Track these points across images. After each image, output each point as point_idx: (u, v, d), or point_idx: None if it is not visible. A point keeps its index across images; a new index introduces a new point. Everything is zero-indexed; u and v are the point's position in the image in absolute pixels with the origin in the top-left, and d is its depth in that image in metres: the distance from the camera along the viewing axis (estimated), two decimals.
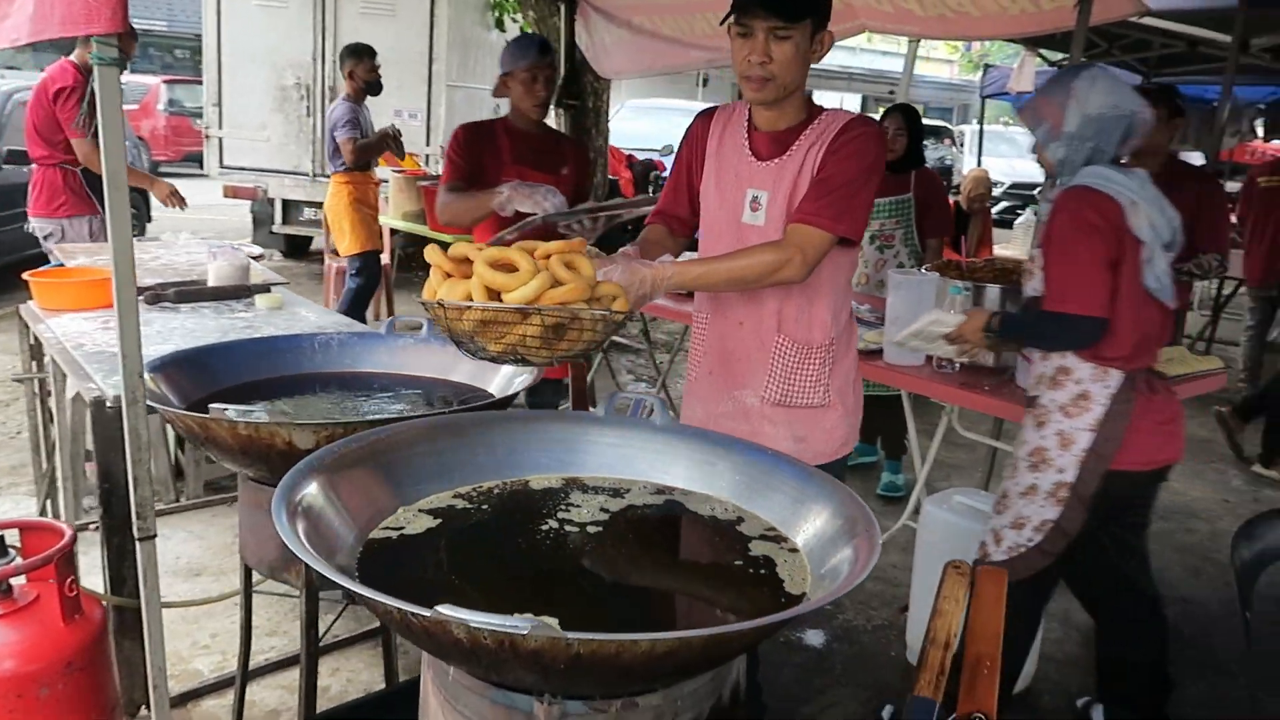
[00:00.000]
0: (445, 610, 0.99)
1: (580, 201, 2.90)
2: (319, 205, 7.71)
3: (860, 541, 1.29)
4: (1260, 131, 15.69)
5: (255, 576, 2.14)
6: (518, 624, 0.98)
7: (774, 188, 1.92)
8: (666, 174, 9.08)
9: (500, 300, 1.48)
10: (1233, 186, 7.66)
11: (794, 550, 1.42)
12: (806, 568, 1.37)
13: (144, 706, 2.41)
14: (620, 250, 1.85)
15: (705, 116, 2.06)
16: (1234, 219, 6.82)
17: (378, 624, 2.69)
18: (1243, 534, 1.90)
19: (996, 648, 1.32)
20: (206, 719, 2.44)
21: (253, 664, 2.41)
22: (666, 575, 1.47)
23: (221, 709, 2.46)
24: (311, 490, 1.34)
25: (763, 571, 1.36)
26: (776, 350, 1.99)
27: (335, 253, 5.88)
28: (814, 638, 2.93)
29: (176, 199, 4.65)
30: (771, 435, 2.00)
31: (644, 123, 11.21)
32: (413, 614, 1.03)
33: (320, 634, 2.04)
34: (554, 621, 1.04)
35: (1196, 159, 5.91)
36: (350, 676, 2.65)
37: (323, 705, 2.22)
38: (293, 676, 2.62)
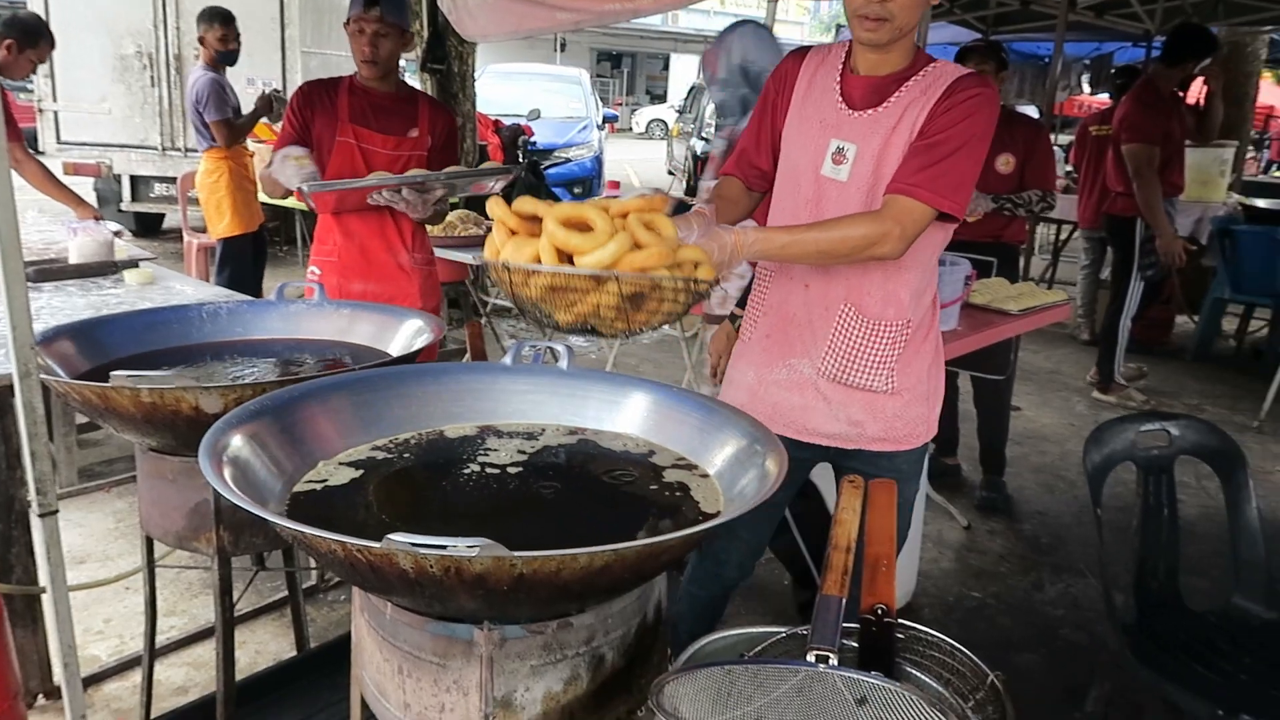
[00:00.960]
0: (397, 538, 1.04)
1: (444, 164, 2.77)
2: (172, 180, 7.36)
3: (768, 462, 1.40)
4: (1086, 85, 16.75)
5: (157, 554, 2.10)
6: (464, 545, 1.04)
7: (863, 141, 1.74)
8: (535, 139, 9.10)
9: (572, 264, 1.35)
10: (1065, 139, 8.21)
11: (705, 476, 1.52)
12: (719, 490, 1.48)
13: (40, 695, 2.35)
14: (694, 208, 1.63)
15: (797, 56, 1.87)
16: (1069, 166, 7.33)
17: (284, 595, 2.67)
18: (1092, 440, 2.12)
19: (892, 548, 1.46)
20: (110, 702, 2.38)
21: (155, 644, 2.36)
22: (589, 505, 1.54)
23: (125, 691, 2.41)
24: (235, 444, 1.35)
25: (678, 494, 1.46)
26: (840, 320, 1.82)
27: (198, 230, 5.63)
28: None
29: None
30: (823, 413, 1.88)
31: (507, 88, 11.09)
32: (360, 547, 1.07)
33: (232, 608, 2.03)
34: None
35: (1032, 112, 6.33)
36: (259, 648, 2.63)
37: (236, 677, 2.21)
38: (197, 653, 2.58)
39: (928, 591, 3.04)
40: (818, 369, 1.85)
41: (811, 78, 1.82)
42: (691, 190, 10.05)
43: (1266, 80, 13.41)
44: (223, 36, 5.02)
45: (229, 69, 5.19)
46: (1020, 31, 7.57)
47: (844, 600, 1.36)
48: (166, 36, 7.55)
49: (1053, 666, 2.65)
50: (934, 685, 1.24)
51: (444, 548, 1.05)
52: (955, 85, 1.68)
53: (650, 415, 1.66)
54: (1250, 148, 11.74)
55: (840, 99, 1.77)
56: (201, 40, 5.11)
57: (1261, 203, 6.16)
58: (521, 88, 11.26)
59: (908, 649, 1.32)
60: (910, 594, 2.96)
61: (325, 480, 1.46)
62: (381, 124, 2.71)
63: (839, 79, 1.79)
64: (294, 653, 2.49)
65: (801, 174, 1.81)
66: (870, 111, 1.74)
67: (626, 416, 1.68)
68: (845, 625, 1.36)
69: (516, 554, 1.06)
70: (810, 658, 1.25)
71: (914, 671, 1.28)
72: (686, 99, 16.53)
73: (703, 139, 11.04)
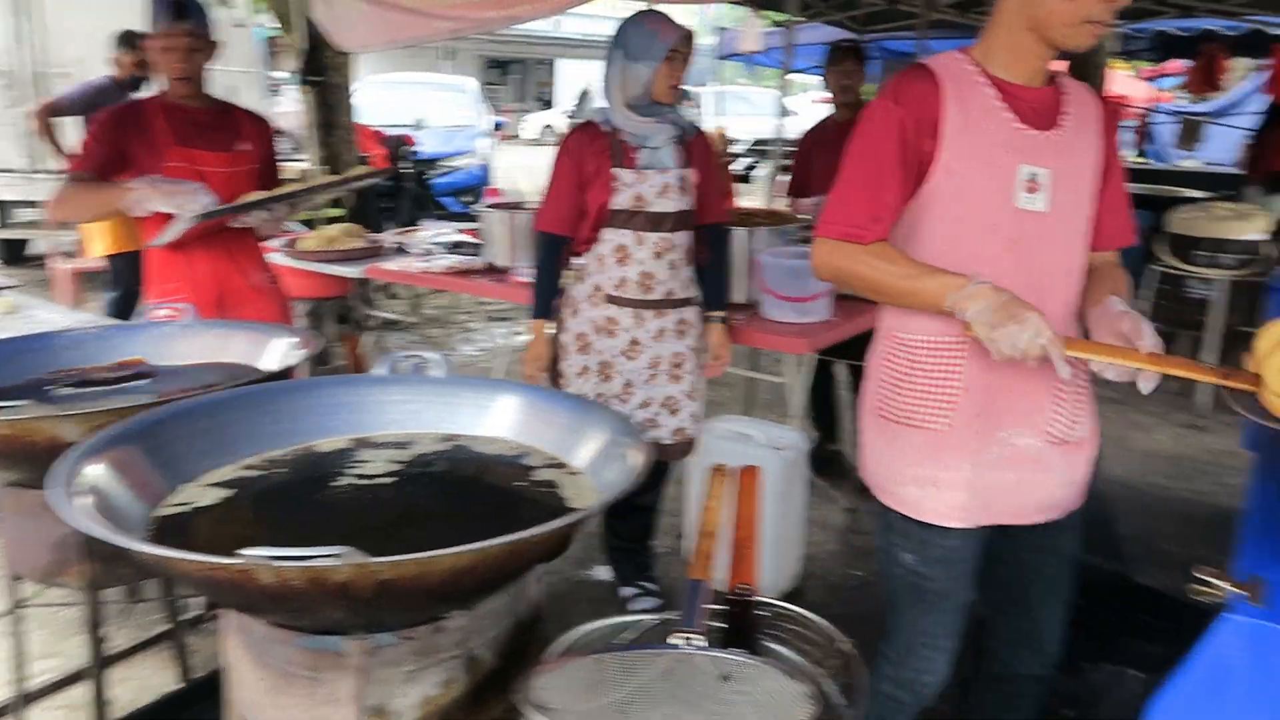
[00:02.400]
0: (250, 553, 1.05)
1: (271, 176, 2.72)
2: (37, 205, 7.03)
3: (632, 454, 1.45)
4: None
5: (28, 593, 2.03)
6: (324, 555, 1.06)
7: (1056, 164, 1.56)
8: (418, 148, 8.99)
9: None
10: None
11: (574, 473, 1.56)
12: (589, 485, 1.52)
13: None
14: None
15: (925, 75, 1.55)
16: None
17: (166, 626, 2.60)
18: None
19: (755, 532, 1.53)
20: None
21: (26, 689, 2.28)
22: (461, 510, 1.56)
23: None
24: (91, 474, 1.33)
25: (548, 492, 1.50)
26: (1069, 377, 1.53)
27: (68, 255, 5.39)
28: (602, 572, 3.11)
29: None
30: (1047, 485, 1.64)
31: (390, 97, 10.94)
32: (217, 564, 1.08)
33: (103, 642, 1.98)
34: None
35: None
36: (141, 683, 2.55)
37: (116, 715, 2.15)
38: (74, 695, 2.49)
39: (813, 574, 3.15)
40: (1045, 435, 1.63)
41: (961, 98, 1.53)
42: None
43: (1126, 72, 14.24)
44: (139, 62, 4.83)
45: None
46: (890, 30, 7.87)
47: (709, 584, 1.42)
48: (30, 55, 7.21)
49: None
50: (792, 656, 1.31)
51: (304, 559, 1.06)
52: (1109, 109, 1.66)
53: (522, 417, 1.70)
54: None
55: (1015, 117, 1.54)
56: (117, 61, 4.94)
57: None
58: (406, 97, 11.12)
59: (771, 625, 1.38)
60: (797, 577, 3.05)
61: (192, 503, 1.44)
62: (209, 141, 2.59)
63: (999, 96, 1.55)
64: (178, 686, 2.43)
65: (995, 210, 1.54)
66: (1053, 132, 1.57)
67: (499, 420, 1.71)
68: (717, 607, 1.42)
69: (377, 560, 1.08)
70: (677, 640, 1.31)
71: (775, 645, 1.35)
72: (576, 103, 16.59)
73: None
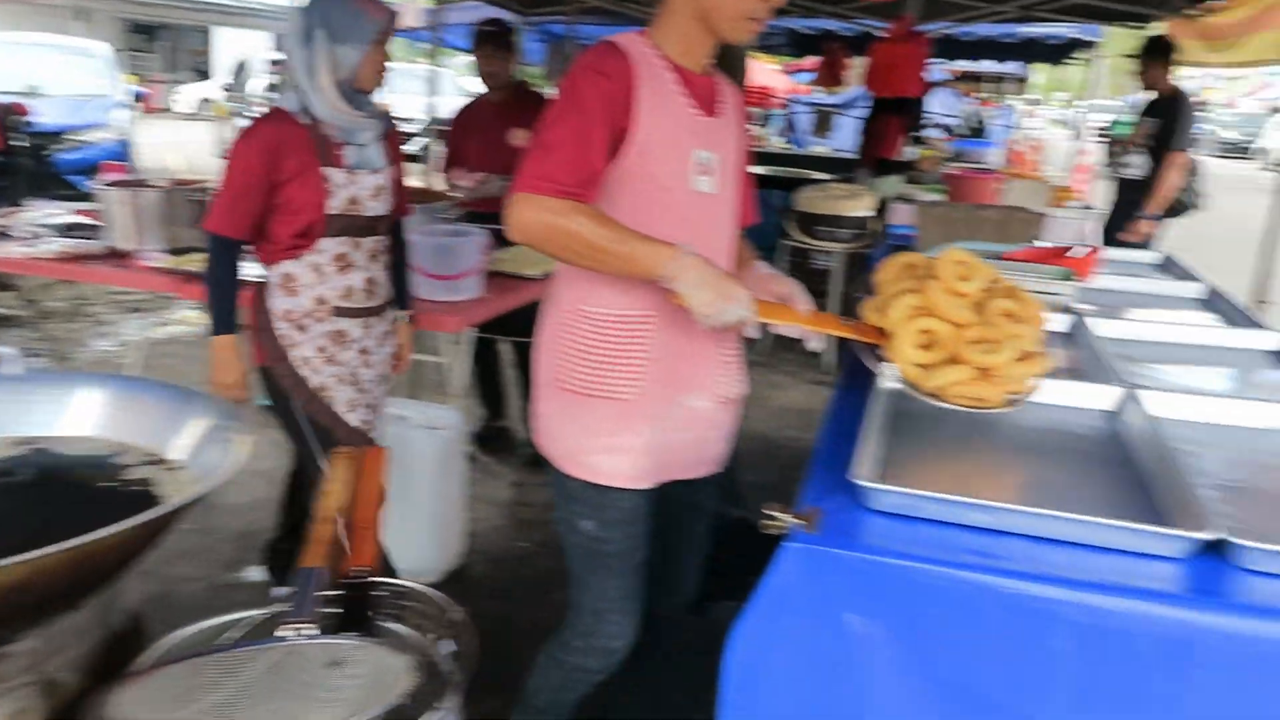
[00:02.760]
0: None
1: None
2: None
3: (239, 440, 1.37)
4: None
5: None
6: None
7: (720, 149, 1.67)
8: (31, 118, 7.89)
9: None
10: None
11: (174, 468, 1.45)
12: (189, 478, 1.41)
13: None
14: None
15: (620, 54, 1.56)
16: None
17: None
18: None
19: (375, 512, 1.50)
20: None
21: None
22: (37, 522, 1.40)
23: None
24: None
25: (140, 492, 1.38)
26: (729, 334, 1.75)
27: None
28: (255, 574, 2.94)
29: None
30: (714, 440, 1.82)
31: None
32: None
33: None
34: None
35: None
36: None
37: None
38: None
39: (478, 549, 3.17)
40: (715, 396, 1.78)
41: (647, 78, 1.57)
42: None
43: (773, 65, 15.56)
44: None
45: None
46: (553, 14, 8.02)
47: (324, 571, 1.37)
48: None
49: None
50: (405, 631, 1.31)
51: None
52: (742, 99, 1.78)
53: (112, 412, 1.54)
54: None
55: (690, 102, 1.62)
56: None
57: (761, 169, 7.16)
58: (19, 60, 9.71)
59: (389, 604, 1.37)
60: (462, 555, 3.06)
61: None
62: None
63: (677, 81, 1.61)
64: None
65: (676, 193, 1.62)
66: (717, 118, 1.68)
67: (84, 417, 1.54)
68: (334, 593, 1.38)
69: None
70: (285, 632, 1.25)
71: (392, 624, 1.33)
72: (234, 76, 15.35)
73: (246, 118, 10.32)
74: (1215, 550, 1.21)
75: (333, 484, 1.55)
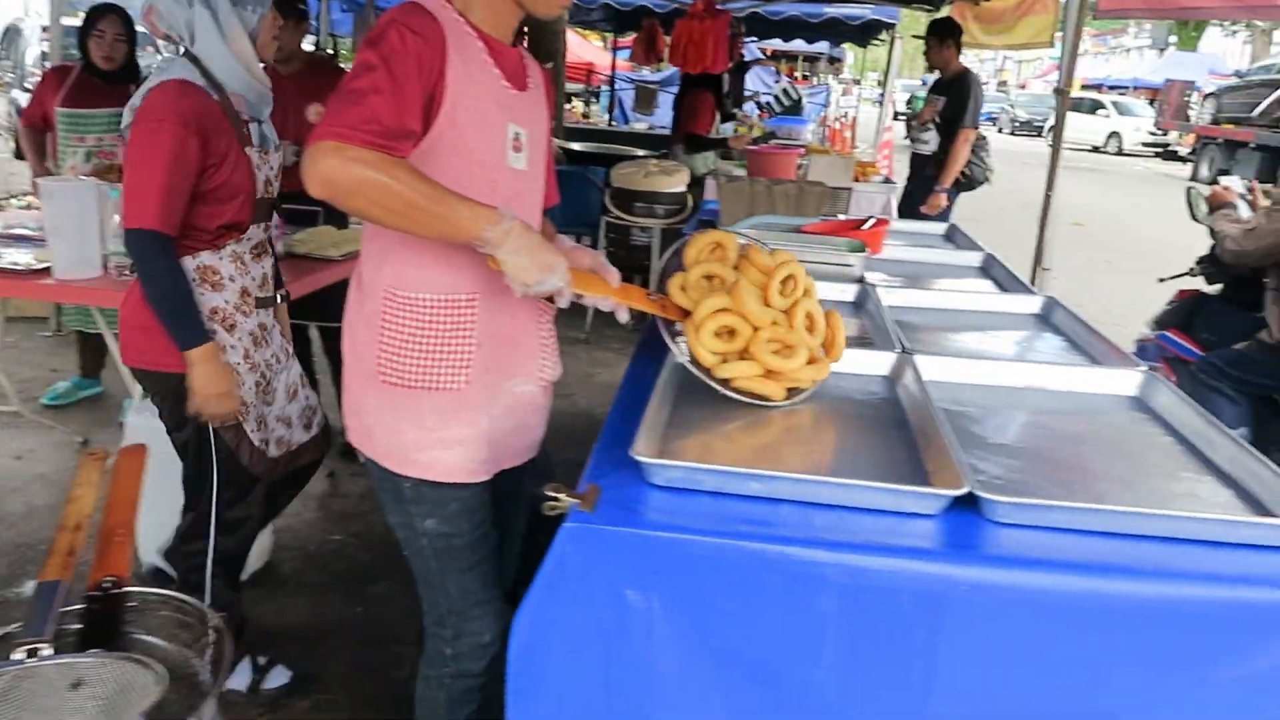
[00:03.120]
0: None
1: None
2: None
3: None
4: None
5: None
6: None
7: (530, 124, 1.61)
8: None
9: None
10: None
11: None
12: None
13: None
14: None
15: (429, 15, 1.42)
16: None
17: None
18: None
19: (132, 516, 1.39)
20: None
21: None
22: None
23: None
24: None
25: None
26: (547, 315, 1.72)
27: None
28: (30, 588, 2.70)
29: None
30: (536, 426, 1.77)
31: None
32: None
33: None
34: None
35: None
36: None
37: None
38: None
39: (288, 545, 3.03)
40: (538, 381, 1.74)
41: (458, 47, 1.45)
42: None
43: (596, 41, 15.54)
44: None
45: None
46: None
47: (68, 584, 1.26)
48: None
49: (409, 589, 2.82)
50: (158, 643, 1.22)
51: None
52: (541, 68, 1.71)
53: None
54: (578, 101, 13.64)
55: (501, 75, 1.54)
56: None
57: (577, 145, 7.15)
58: None
59: (143, 615, 1.27)
60: (267, 551, 2.92)
61: None
62: None
63: (487, 53, 1.51)
64: None
65: (493, 170, 1.53)
66: (528, 92, 1.61)
67: None
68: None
69: None
70: (19, 655, 1.15)
71: (146, 636, 1.24)
72: (2, 41, 14.02)
73: (25, 89, 9.44)
74: (970, 505, 1.28)
75: (79, 487, 1.43)
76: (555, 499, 1.27)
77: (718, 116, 6.11)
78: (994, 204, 10.35)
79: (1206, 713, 1.18)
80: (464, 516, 1.63)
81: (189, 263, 2.07)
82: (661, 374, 1.65)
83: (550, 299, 1.53)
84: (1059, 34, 5.72)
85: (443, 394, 1.55)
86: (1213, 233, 3.14)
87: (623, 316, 1.62)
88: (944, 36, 5.41)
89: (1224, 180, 3.42)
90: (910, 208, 5.64)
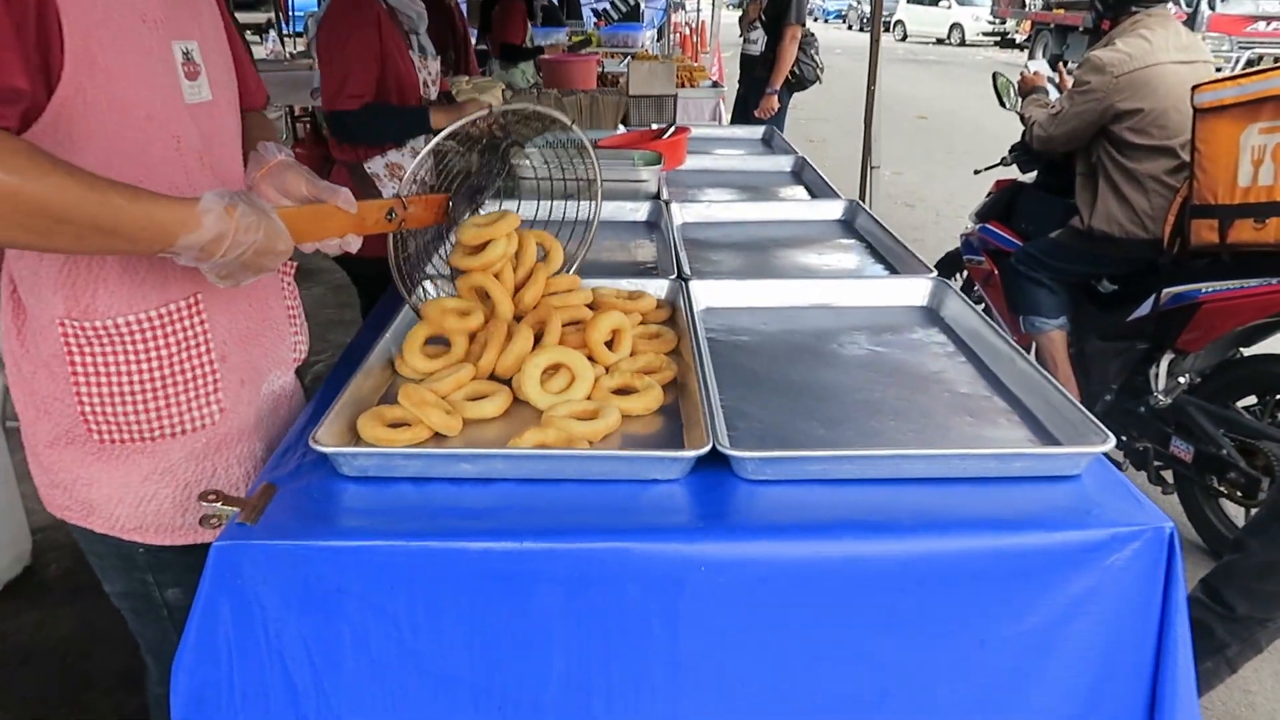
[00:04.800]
0: None
1: None
2: None
3: None
4: None
5: None
6: None
7: (201, 25, 1.18)
8: None
9: None
10: None
11: None
12: None
13: None
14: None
15: None
16: None
17: None
18: None
19: None
20: None
21: None
22: None
23: None
24: None
25: None
26: (286, 277, 1.41)
27: None
28: None
29: None
30: (295, 410, 1.40)
31: None
32: None
33: None
34: None
35: None
36: None
37: None
38: None
39: (51, 545, 2.68)
40: (293, 363, 1.43)
41: None
42: None
43: None
44: None
45: None
46: None
47: None
48: None
49: None
50: None
51: None
52: None
53: None
54: None
55: None
56: None
57: None
58: None
59: None
60: (27, 555, 2.58)
61: None
62: None
63: None
64: None
65: (160, 121, 1.09)
66: None
67: None
68: None
69: None
70: None
71: None
72: None
73: None
74: (723, 462, 1.10)
75: None
76: (211, 512, 1.03)
77: (529, 26, 5.72)
78: (841, 101, 10.30)
79: (984, 675, 1.04)
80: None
81: (378, 161, 2.39)
82: (385, 334, 1.40)
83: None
84: None
85: (189, 436, 1.20)
86: (1023, 119, 3.05)
87: (353, 245, 1.26)
88: None
89: (1032, 65, 3.33)
90: (745, 112, 5.44)
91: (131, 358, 1.14)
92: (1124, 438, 2.86)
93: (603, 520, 1.02)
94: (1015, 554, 1.01)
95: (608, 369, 1.34)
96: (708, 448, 1.07)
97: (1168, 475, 2.77)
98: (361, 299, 3.27)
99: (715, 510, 1.05)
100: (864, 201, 4.70)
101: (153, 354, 1.15)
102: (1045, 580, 1.02)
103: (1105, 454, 1.10)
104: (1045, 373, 1.28)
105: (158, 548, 1.25)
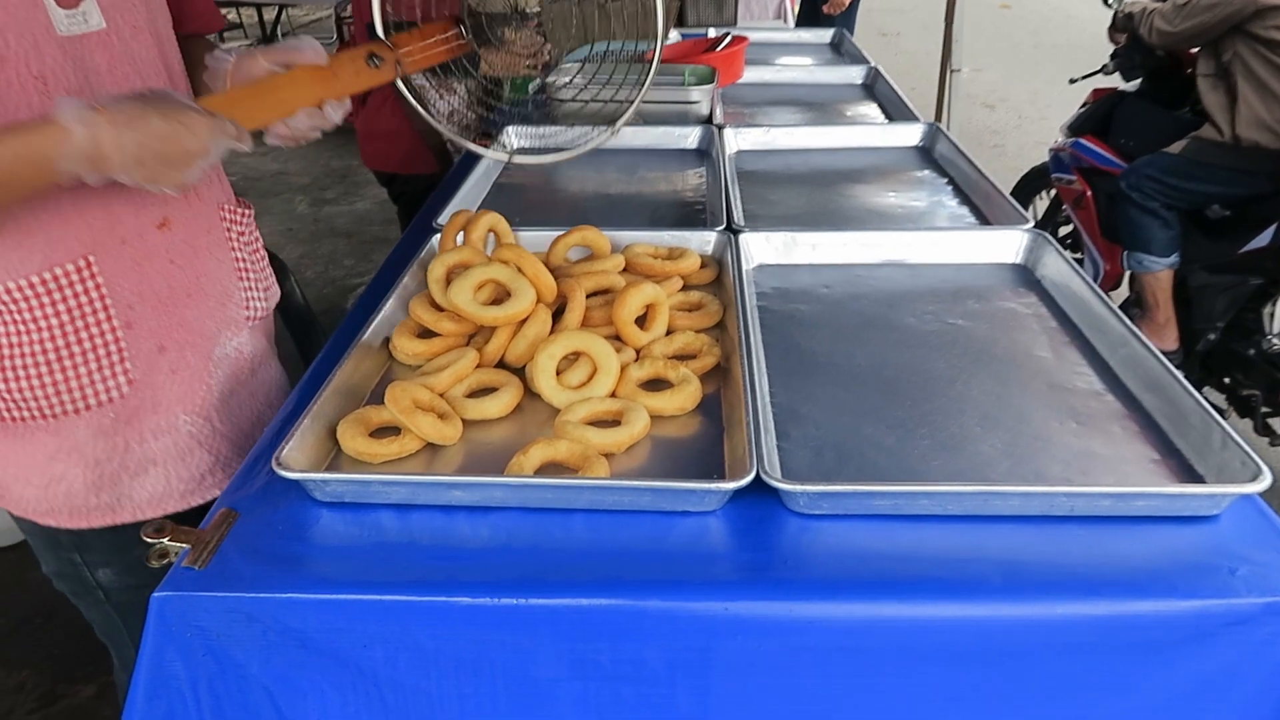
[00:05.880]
0: None
1: None
2: None
3: None
4: None
5: None
6: None
7: None
8: None
9: None
10: None
11: None
12: None
13: None
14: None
15: None
16: None
17: None
18: None
19: None
20: None
21: None
22: None
23: None
24: None
25: None
26: (236, 226, 1.24)
27: None
28: None
29: None
30: (274, 384, 1.33)
31: None
32: None
33: None
34: None
35: None
36: None
37: None
38: None
39: None
40: (249, 320, 1.28)
41: None
42: None
43: None
44: None
45: None
46: None
47: None
48: None
49: None
50: None
51: None
52: None
53: None
54: None
55: None
56: None
57: None
58: None
59: None
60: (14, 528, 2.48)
61: None
62: None
63: None
64: None
65: (26, 55, 0.94)
66: None
67: None
68: None
69: None
70: None
71: None
72: None
73: None
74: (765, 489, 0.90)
75: None
76: (154, 546, 0.87)
77: None
78: None
79: None
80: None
81: None
82: (372, 319, 1.21)
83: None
84: None
85: (103, 409, 1.08)
86: (1116, 21, 2.67)
87: (336, 116, 1.09)
88: None
89: None
90: (813, 8, 5.02)
91: (20, 328, 1.03)
92: (1228, 380, 2.58)
93: (620, 569, 0.83)
94: (1131, 624, 0.81)
95: (638, 353, 1.14)
96: (750, 476, 0.87)
97: (1276, 425, 2.50)
98: (401, 220, 3.08)
99: (758, 557, 0.85)
100: (943, 110, 4.32)
101: (42, 323, 1.03)
102: (1168, 658, 0.81)
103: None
104: (1168, 364, 1.04)
105: (91, 531, 1.14)
